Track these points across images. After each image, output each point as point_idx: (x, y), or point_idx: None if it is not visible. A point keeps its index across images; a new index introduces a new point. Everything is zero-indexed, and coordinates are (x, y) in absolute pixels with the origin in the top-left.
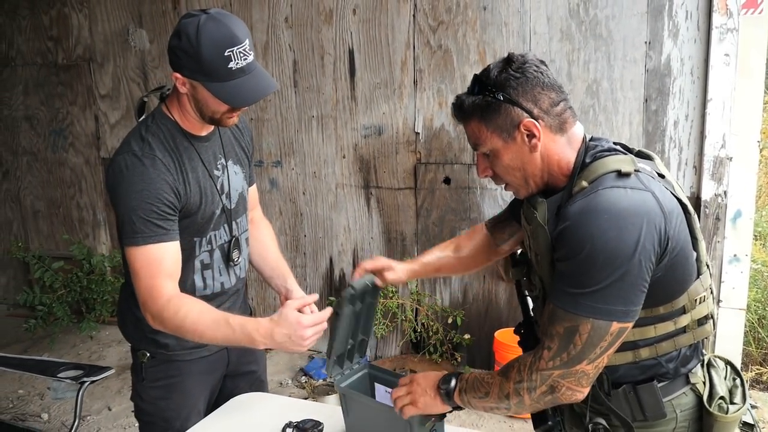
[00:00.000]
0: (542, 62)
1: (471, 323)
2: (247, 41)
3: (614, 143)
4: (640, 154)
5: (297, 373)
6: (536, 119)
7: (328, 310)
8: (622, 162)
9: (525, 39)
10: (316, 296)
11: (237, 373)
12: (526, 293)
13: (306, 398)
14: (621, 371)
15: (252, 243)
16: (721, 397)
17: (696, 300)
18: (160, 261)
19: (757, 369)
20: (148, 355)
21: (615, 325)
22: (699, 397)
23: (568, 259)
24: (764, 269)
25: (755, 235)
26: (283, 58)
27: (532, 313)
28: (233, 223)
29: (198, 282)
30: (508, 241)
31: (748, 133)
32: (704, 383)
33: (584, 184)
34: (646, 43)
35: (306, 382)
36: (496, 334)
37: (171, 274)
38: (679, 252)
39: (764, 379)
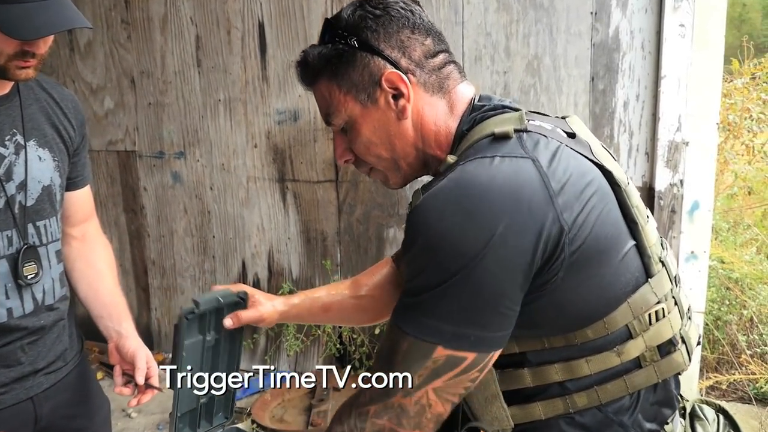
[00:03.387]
0: (415, 1)
1: None
2: None
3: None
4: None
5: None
6: (405, 72)
7: None
8: (502, 122)
9: (457, 9)
10: None
11: (55, 431)
12: None
13: None
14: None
15: (81, 268)
16: None
17: (648, 315)
18: None
19: (714, 376)
20: None
21: (439, 351)
22: None
23: (404, 256)
24: (720, 266)
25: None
26: (184, 33)
27: None
28: (30, 225)
29: None
30: None
31: (706, 114)
32: None
33: (450, 159)
34: (591, 13)
35: None
36: None
37: None
38: (588, 242)
39: (723, 387)
